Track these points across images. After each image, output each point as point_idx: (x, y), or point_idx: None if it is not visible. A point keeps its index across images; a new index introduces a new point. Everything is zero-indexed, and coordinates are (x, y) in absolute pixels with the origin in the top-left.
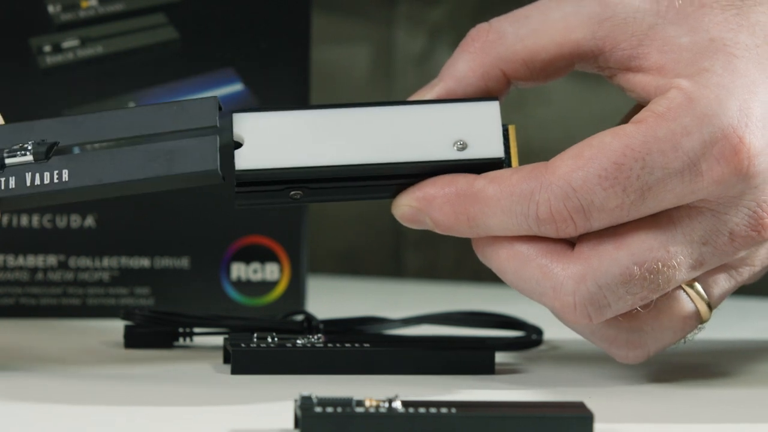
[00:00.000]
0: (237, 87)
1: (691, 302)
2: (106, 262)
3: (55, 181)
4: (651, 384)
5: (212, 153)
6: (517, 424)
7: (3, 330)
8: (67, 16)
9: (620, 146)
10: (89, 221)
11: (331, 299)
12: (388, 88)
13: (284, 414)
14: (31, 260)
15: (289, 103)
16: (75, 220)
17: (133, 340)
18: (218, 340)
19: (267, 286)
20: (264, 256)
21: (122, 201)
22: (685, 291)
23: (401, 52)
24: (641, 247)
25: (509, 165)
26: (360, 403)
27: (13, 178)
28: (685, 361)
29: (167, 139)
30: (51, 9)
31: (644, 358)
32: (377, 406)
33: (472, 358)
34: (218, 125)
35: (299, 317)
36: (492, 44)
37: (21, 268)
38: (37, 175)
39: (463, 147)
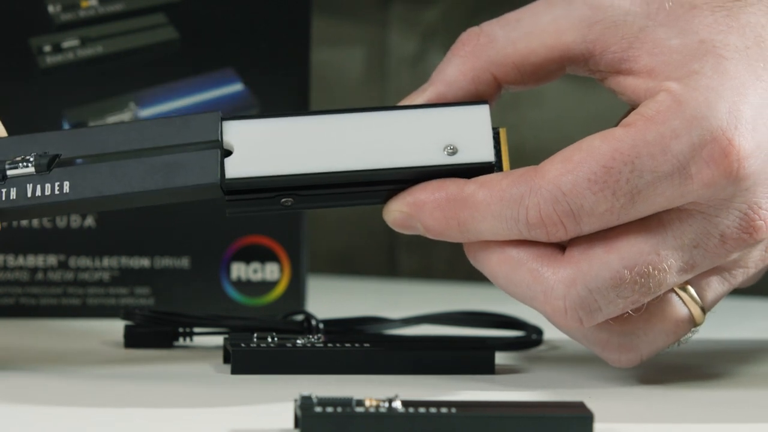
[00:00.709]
0: (237, 87)
1: (683, 306)
2: (106, 262)
3: (56, 192)
4: (651, 384)
5: (213, 166)
6: (517, 424)
7: (3, 330)
8: (67, 16)
9: (609, 150)
10: (89, 221)
11: (329, 299)
12: (382, 90)
13: (284, 414)
14: (31, 260)
15: (281, 107)
16: (75, 220)
17: (133, 340)
18: (218, 340)
19: (267, 286)
20: (264, 256)
21: None
22: (677, 294)
23: (395, 53)
24: (632, 251)
25: (500, 168)
26: (360, 403)
27: (15, 189)
28: (685, 361)
29: (169, 152)
30: (51, 9)
31: (637, 362)
32: (377, 406)
33: (472, 358)
34: (220, 140)
35: (299, 317)
36: (483, 48)
37: (21, 268)
38: (38, 187)
39: (454, 152)
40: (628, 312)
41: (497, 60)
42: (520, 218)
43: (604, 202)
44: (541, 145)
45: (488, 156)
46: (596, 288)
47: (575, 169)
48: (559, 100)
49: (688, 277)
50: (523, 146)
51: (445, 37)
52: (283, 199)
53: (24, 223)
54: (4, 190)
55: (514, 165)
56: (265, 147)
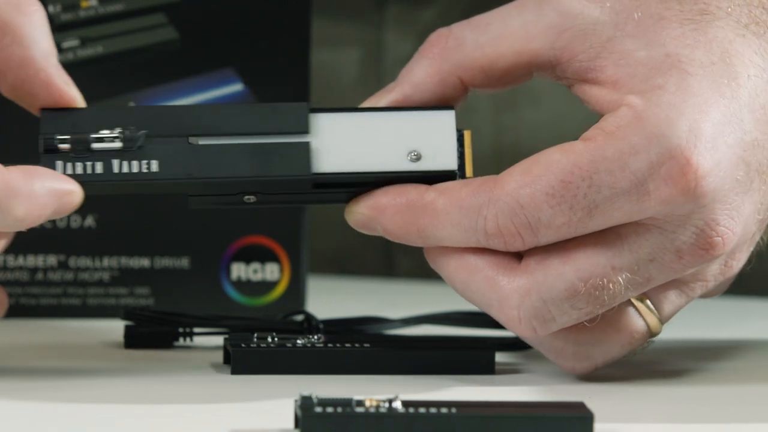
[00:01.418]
0: (237, 87)
1: (639, 317)
2: (106, 262)
3: (144, 171)
4: (651, 384)
5: (305, 159)
6: (517, 424)
7: (3, 330)
8: (67, 16)
9: (568, 164)
10: (89, 221)
11: (329, 299)
12: (378, 90)
13: (284, 414)
14: (31, 260)
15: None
16: (75, 220)
17: (133, 340)
18: (218, 340)
19: (267, 286)
20: (264, 256)
21: (122, 201)
22: (634, 305)
23: (391, 54)
24: (587, 263)
25: (463, 171)
26: (360, 403)
27: (101, 163)
28: (685, 361)
29: (257, 139)
30: (51, 9)
31: (591, 370)
32: (377, 406)
33: (472, 358)
34: (309, 131)
35: (299, 317)
36: (451, 51)
37: (21, 268)
38: (125, 163)
39: (417, 158)
40: (583, 321)
41: (464, 63)
42: (478, 228)
43: (561, 215)
44: (537, 146)
45: (451, 164)
46: (550, 299)
47: (534, 182)
48: (555, 101)
49: (643, 290)
50: (519, 147)
51: None
52: (246, 197)
53: None
54: (88, 164)
55: (512, 164)
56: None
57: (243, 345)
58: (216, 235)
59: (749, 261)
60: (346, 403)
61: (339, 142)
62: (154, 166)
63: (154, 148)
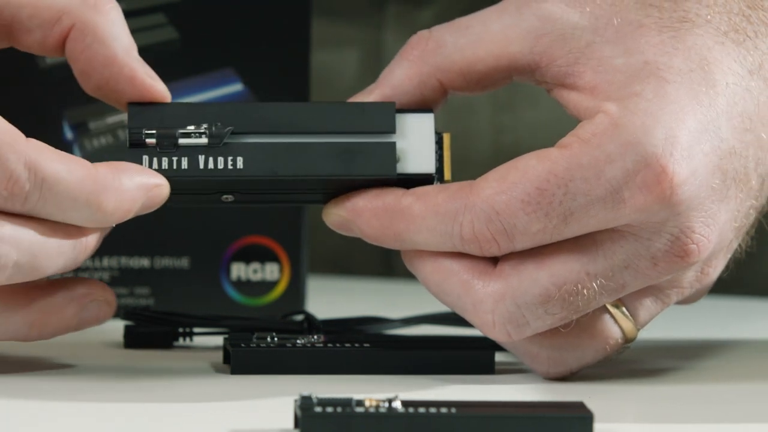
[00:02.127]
0: (237, 87)
1: (614, 323)
2: (106, 262)
3: (229, 167)
4: (651, 384)
5: (391, 159)
6: (517, 424)
7: None
8: None
9: (544, 171)
10: None
11: (329, 299)
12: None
13: (284, 414)
14: None
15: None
16: None
17: (133, 340)
18: (218, 340)
19: (267, 286)
20: (264, 256)
21: None
22: (609, 311)
23: (391, 54)
24: (561, 269)
25: (441, 174)
26: (360, 403)
27: (186, 159)
28: (685, 361)
29: (344, 138)
30: None
31: (566, 374)
32: (377, 406)
33: (472, 358)
34: (396, 131)
35: (299, 317)
36: (431, 53)
37: None
38: (211, 159)
39: (396, 161)
40: (558, 327)
41: (444, 66)
42: (454, 233)
43: (536, 222)
44: (536, 146)
45: (429, 167)
46: (524, 304)
47: (509, 189)
48: (554, 102)
49: (618, 296)
50: (518, 147)
51: None
52: (224, 196)
53: None
54: (174, 159)
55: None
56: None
57: (243, 345)
58: (216, 235)
59: (727, 267)
60: (346, 403)
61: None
62: (240, 162)
63: (240, 145)
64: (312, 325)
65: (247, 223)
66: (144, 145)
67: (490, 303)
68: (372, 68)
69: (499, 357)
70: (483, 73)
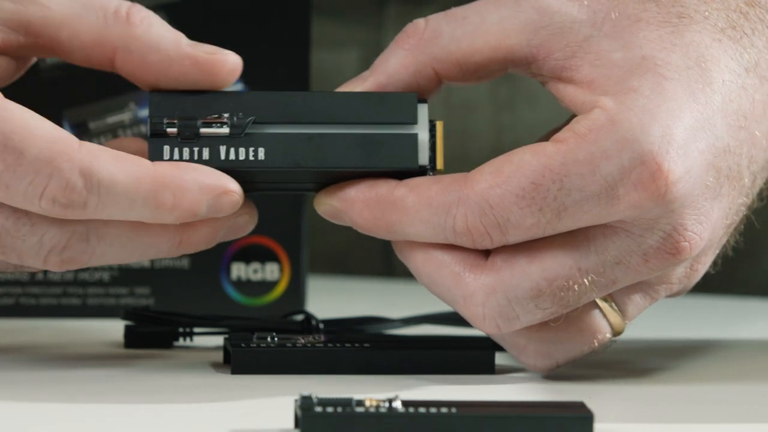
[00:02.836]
0: (237, 87)
1: (603, 317)
2: None
3: (251, 158)
4: (651, 384)
5: (413, 151)
6: (517, 424)
7: (3, 330)
8: None
9: (539, 166)
10: None
11: (329, 299)
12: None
13: (284, 414)
14: None
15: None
16: None
17: (133, 340)
18: (218, 340)
19: (267, 286)
20: (264, 256)
21: None
22: (598, 305)
23: None
24: (553, 264)
25: (434, 163)
26: (360, 403)
27: (207, 149)
28: (685, 361)
29: (366, 129)
30: None
31: (553, 368)
32: (377, 406)
33: (472, 358)
34: (418, 122)
35: (299, 317)
36: (427, 43)
37: None
38: (232, 150)
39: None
40: (547, 320)
41: (440, 56)
42: (447, 226)
43: (530, 216)
44: None
45: (423, 160)
46: (515, 297)
47: (504, 182)
48: (554, 101)
49: (608, 291)
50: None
51: None
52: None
53: None
54: (196, 149)
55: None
56: None
57: (243, 345)
58: None
59: (714, 263)
60: (346, 403)
61: None
62: (261, 153)
63: (261, 136)
64: (312, 325)
65: None
66: (165, 134)
67: (480, 296)
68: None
69: (499, 357)
70: (479, 65)
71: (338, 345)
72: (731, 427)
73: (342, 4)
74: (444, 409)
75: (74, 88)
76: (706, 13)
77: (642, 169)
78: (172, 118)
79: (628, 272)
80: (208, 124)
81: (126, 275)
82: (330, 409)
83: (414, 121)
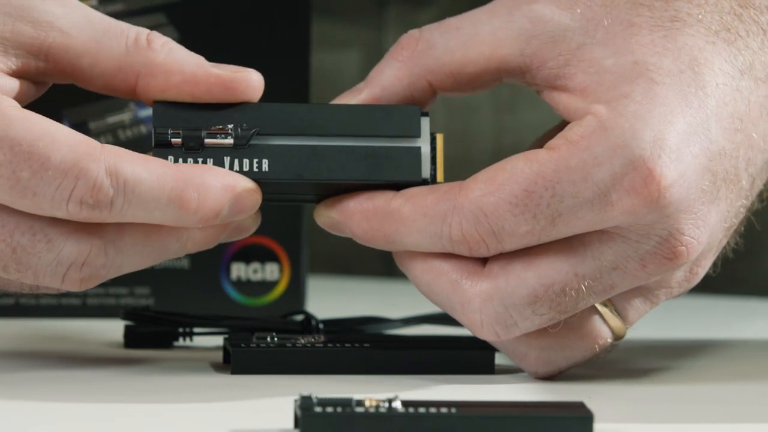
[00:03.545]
0: None
1: (603, 323)
2: None
3: (255, 169)
4: (651, 384)
5: (417, 163)
6: (517, 424)
7: (3, 330)
8: None
9: (532, 173)
10: None
11: (329, 299)
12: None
13: (284, 414)
14: None
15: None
16: None
17: (133, 340)
18: (218, 340)
19: (267, 286)
20: (264, 256)
21: None
22: (598, 311)
23: None
24: (549, 270)
25: (434, 174)
26: (360, 403)
27: (211, 160)
28: (685, 361)
29: (370, 142)
30: None
31: (555, 373)
32: (377, 406)
33: (472, 358)
34: (421, 136)
35: (299, 317)
36: (421, 54)
37: None
38: (236, 161)
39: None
40: (546, 327)
41: (434, 68)
42: (443, 235)
43: (524, 224)
44: None
45: (426, 172)
46: (512, 304)
47: (497, 190)
48: None
49: (607, 296)
50: (519, 148)
51: None
52: None
53: None
54: (200, 160)
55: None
56: None
57: (243, 345)
58: None
59: (714, 265)
60: (346, 403)
61: None
62: (265, 165)
63: (266, 147)
64: (312, 325)
65: None
66: (170, 145)
67: (477, 303)
68: (372, 69)
69: (498, 357)
70: (473, 75)
71: (338, 345)
72: (731, 427)
73: (342, 5)
74: (444, 409)
75: (74, 88)
76: (700, 16)
77: (634, 174)
78: (177, 128)
79: (625, 277)
80: (213, 135)
81: (126, 275)
82: (330, 409)
83: (418, 135)
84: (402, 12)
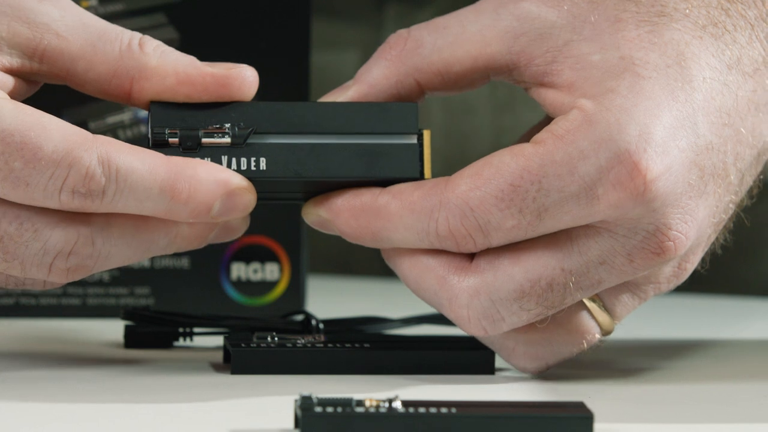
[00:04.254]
0: None
1: (590, 318)
2: None
3: (252, 168)
4: (651, 384)
5: (414, 160)
6: (517, 424)
7: (3, 330)
8: None
9: (517, 168)
10: None
11: (328, 299)
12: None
13: (284, 414)
14: None
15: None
16: None
17: (133, 340)
18: (218, 340)
19: (267, 286)
20: (264, 256)
21: None
22: (585, 306)
23: None
24: (536, 265)
25: (422, 170)
26: (360, 403)
27: (208, 159)
28: (684, 361)
29: (367, 139)
30: None
31: (543, 369)
32: (377, 406)
33: (472, 358)
34: (417, 132)
35: (299, 317)
36: (409, 53)
37: None
38: (234, 160)
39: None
40: (534, 322)
41: (421, 67)
42: (430, 230)
43: (510, 218)
44: None
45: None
46: (499, 299)
47: (483, 185)
48: None
49: (594, 291)
50: None
51: None
52: None
53: None
54: (197, 159)
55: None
56: None
57: (243, 345)
58: None
59: (703, 261)
60: (346, 403)
61: None
62: (263, 163)
63: (263, 146)
64: (312, 325)
65: None
66: (167, 144)
67: (465, 298)
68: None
69: (498, 357)
70: (460, 74)
71: (338, 345)
72: (731, 427)
73: (342, 5)
74: (444, 409)
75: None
76: (687, 11)
77: (619, 168)
78: (174, 128)
79: (612, 272)
80: (210, 134)
81: (126, 275)
82: (330, 409)
83: (414, 131)
84: (401, 12)
